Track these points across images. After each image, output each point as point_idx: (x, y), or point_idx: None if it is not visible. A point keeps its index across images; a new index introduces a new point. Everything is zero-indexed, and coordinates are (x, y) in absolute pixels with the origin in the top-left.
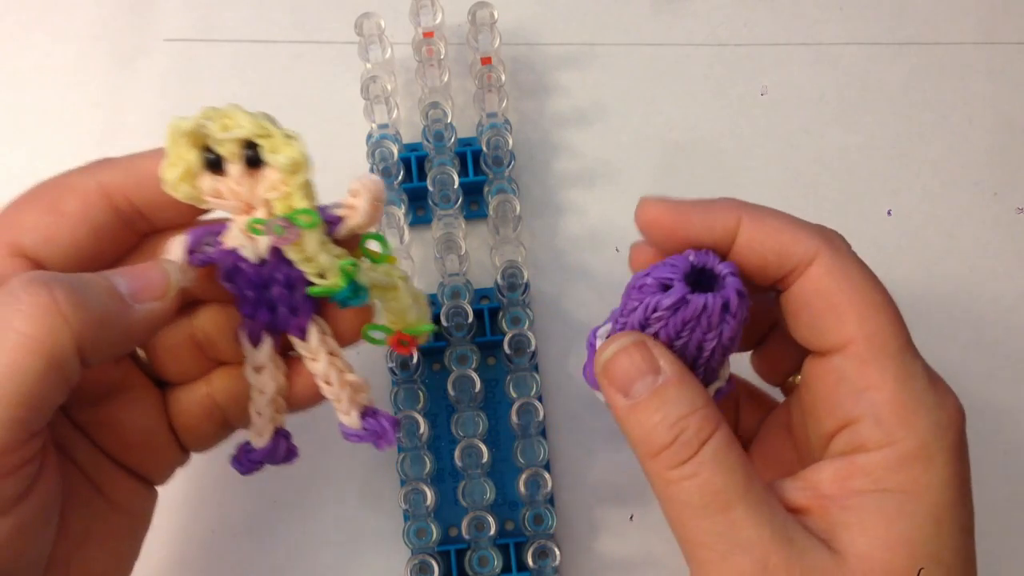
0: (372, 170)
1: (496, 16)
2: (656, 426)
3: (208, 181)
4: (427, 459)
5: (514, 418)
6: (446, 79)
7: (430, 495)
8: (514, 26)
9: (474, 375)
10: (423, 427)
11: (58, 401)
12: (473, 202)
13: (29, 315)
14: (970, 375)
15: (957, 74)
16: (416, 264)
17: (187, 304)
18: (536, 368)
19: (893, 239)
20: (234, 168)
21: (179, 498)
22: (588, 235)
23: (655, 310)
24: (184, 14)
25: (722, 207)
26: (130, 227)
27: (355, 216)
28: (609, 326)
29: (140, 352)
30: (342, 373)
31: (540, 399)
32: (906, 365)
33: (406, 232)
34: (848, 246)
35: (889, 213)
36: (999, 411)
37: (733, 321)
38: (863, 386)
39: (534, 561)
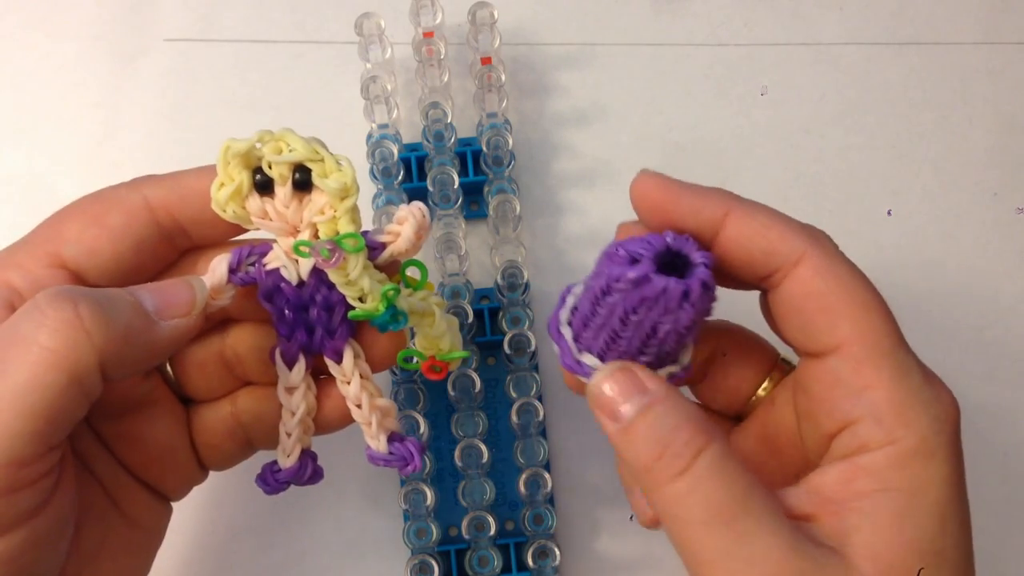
0: (372, 170)
1: (496, 16)
2: (645, 440)
3: (256, 202)
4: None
5: (514, 418)
6: (446, 79)
7: (430, 495)
8: (514, 26)
9: (474, 375)
10: (423, 427)
11: (78, 416)
12: (473, 202)
13: (53, 329)
14: (970, 375)
15: (957, 74)
16: None
17: (220, 322)
18: (536, 368)
19: (893, 239)
20: (282, 190)
21: None
22: (588, 235)
23: (617, 280)
24: (184, 14)
25: (713, 195)
26: (171, 242)
27: (399, 243)
28: (581, 287)
29: (167, 368)
30: (373, 397)
31: (540, 399)
32: (901, 362)
33: None
34: (835, 246)
35: (889, 213)
36: (999, 411)
37: (691, 310)
38: (861, 386)
39: (534, 561)
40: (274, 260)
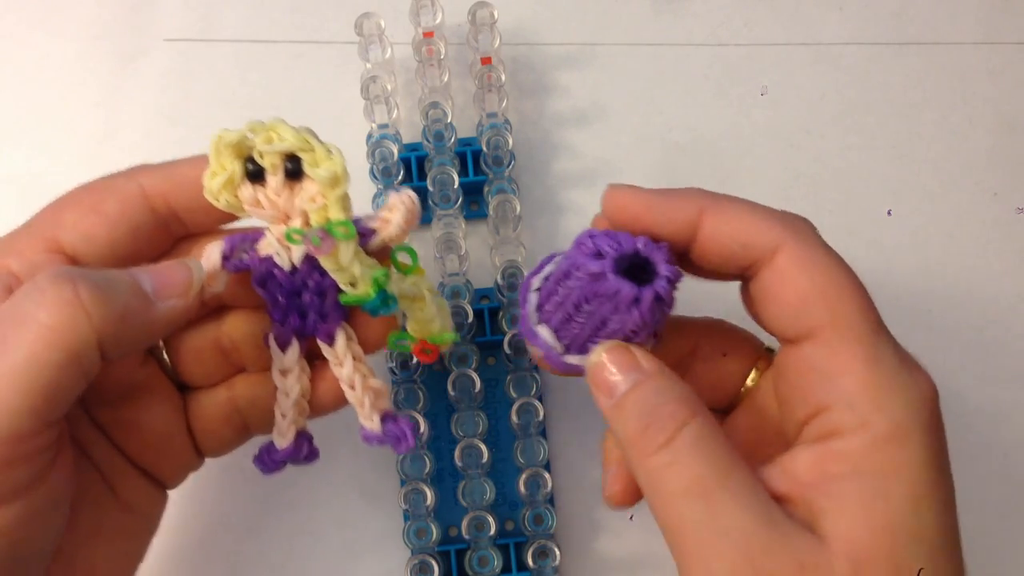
0: (372, 170)
1: (496, 16)
2: (633, 413)
3: (248, 191)
4: (427, 459)
5: (514, 418)
6: (446, 79)
7: (430, 495)
8: (514, 26)
9: (474, 375)
10: (423, 427)
11: (76, 393)
12: (473, 202)
13: (52, 308)
14: (970, 375)
15: (957, 74)
16: None
17: (215, 309)
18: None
19: (893, 239)
20: (274, 179)
21: (178, 495)
22: None
23: (577, 269)
24: (184, 14)
25: (684, 198)
26: (166, 230)
27: (389, 229)
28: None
29: (164, 355)
30: (365, 378)
31: (540, 399)
32: (876, 347)
33: None
34: (814, 231)
35: (889, 213)
36: (999, 411)
37: (639, 318)
38: (834, 372)
39: (534, 561)
40: (266, 247)
